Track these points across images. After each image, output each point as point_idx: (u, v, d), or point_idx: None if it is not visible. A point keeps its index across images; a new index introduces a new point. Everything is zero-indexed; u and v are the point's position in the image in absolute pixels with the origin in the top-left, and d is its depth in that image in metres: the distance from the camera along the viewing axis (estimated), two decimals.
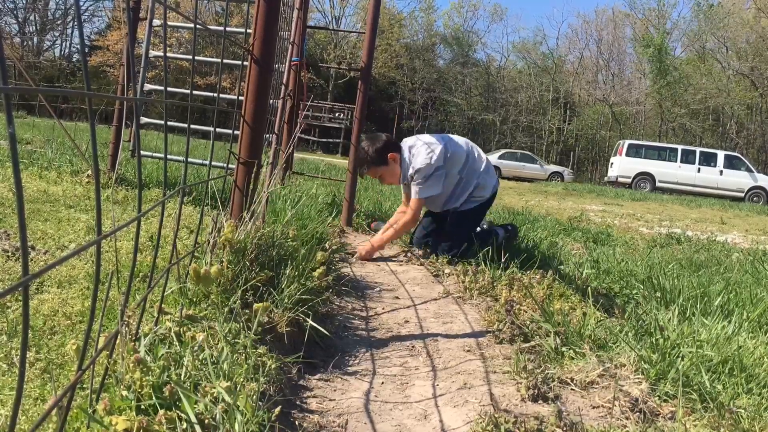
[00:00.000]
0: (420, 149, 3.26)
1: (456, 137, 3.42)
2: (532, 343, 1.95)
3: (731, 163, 19.48)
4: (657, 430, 1.39)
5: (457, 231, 3.36)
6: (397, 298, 2.63)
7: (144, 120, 4.82)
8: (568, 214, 7.62)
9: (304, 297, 1.88)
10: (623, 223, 7.38)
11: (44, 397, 1.28)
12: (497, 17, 54.20)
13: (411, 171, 3.23)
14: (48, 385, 1.32)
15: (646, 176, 19.69)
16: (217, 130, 4.08)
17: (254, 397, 1.19)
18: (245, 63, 2.02)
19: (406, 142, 3.38)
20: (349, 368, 1.78)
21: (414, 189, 3.26)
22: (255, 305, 1.61)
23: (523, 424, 1.34)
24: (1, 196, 3.21)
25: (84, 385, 1.27)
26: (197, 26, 1.44)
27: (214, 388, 1.13)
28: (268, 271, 1.87)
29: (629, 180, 19.80)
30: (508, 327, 2.05)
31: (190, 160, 4.35)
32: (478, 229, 3.62)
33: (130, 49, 1.17)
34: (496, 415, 1.37)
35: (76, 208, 3.28)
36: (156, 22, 4.35)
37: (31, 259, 2.22)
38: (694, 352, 1.68)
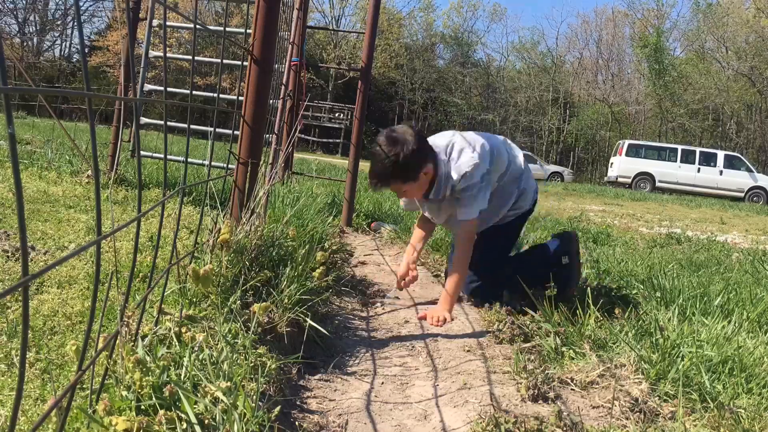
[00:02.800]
0: (463, 147, 2.37)
1: (489, 135, 2.56)
2: (532, 343, 1.95)
3: (731, 163, 19.49)
4: (657, 430, 1.39)
5: (484, 255, 2.53)
6: (397, 298, 2.63)
7: (144, 120, 4.82)
8: (568, 214, 7.62)
9: (303, 297, 1.88)
10: (623, 223, 7.39)
11: (44, 398, 1.28)
12: (497, 17, 54.29)
13: (455, 178, 2.31)
14: (48, 385, 1.32)
15: (646, 176, 19.69)
16: (217, 130, 4.09)
17: (254, 397, 1.19)
18: (245, 63, 2.02)
19: (440, 141, 2.44)
20: (349, 368, 1.78)
21: (463, 206, 2.33)
22: (255, 305, 1.61)
23: (523, 424, 1.34)
24: (1, 196, 3.21)
25: (84, 386, 1.27)
26: (197, 26, 1.44)
27: (214, 388, 1.13)
28: (268, 271, 1.87)
29: (629, 180, 19.80)
30: (508, 327, 2.05)
31: (190, 160, 4.36)
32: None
33: (130, 50, 1.17)
34: (497, 415, 1.37)
35: (75, 209, 3.28)
36: (156, 22, 4.35)
37: (31, 260, 2.22)
38: (694, 352, 1.68)
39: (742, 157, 20.38)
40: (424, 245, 2.86)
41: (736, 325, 2.03)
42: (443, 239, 3.63)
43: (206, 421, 1.07)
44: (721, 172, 19.26)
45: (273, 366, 1.43)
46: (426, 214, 2.68)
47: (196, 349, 1.28)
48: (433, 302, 2.52)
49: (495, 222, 2.58)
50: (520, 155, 2.62)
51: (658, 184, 19.48)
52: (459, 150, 2.37)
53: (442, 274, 3.08)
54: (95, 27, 38.75)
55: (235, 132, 2.06)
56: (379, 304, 2.52)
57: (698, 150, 20.47)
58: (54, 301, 1.83)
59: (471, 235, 2.39)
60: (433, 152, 2.37)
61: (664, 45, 36.70)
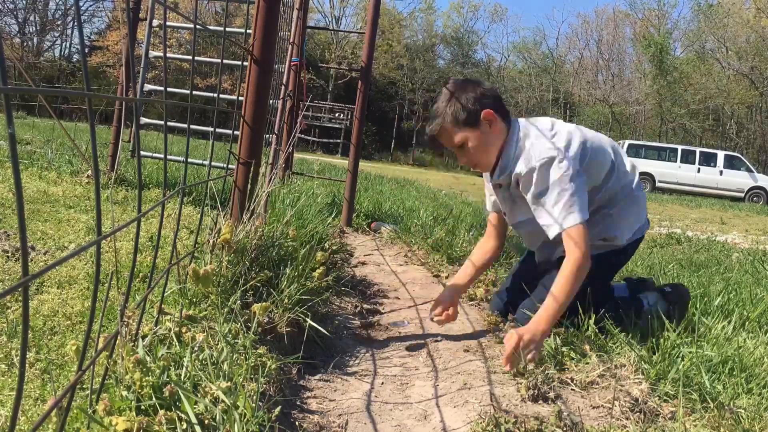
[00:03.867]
0: (546, 131, 1.86)
1: (592, 134, 1.96)
2: None
3: (731, 163, 19.50)
4: (657, 430, 1.39)
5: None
6: (398, 298, 2.63)
7: (144, 120, 4.82)
8: None
9: (304, 297, 1.88)
10: None
11: (44, 398, 1.28)
12: (497, 17, 54.22)
13: (519, 168, 1.82)
14: (48, 385, 1.32)
15: (646, 176, 19.69)
16: (217, 130, 4.09)
17: (254, 397, 1.19)
18: (245, 63, 2.02)
19: (533, 120, 1.96)
20: (349, 368, 1.78)
21: (558, 208, 1.76)
22: (255, 305, 1.61)
23: (523, 425, 1.34)
24: (1, 196, 3.22)
25: (84, 386, 1.27)
26: (197, 27, 1.45)
27: (214, 388, 1.13)
28: (268, 272, 1.87)
29: None
30: (509, 327, 2.05)
31: (190, 160, 4.36)
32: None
33: (130, 50, 1.17)
34: (497, 415, 1.37)
35: (75, 209, 3.28)
36: (156, 22, 4.35)
37: (31, 260, 2.22)
38: (694, 352, 1.68)
39: (742, 157, 20.39)
40: (471, 283, 2.24)
41: (736, 325, 2.03)
42: (443, 239, 3.62)
43: (206, 421, 1.07)
44: (721, 172, 19.26)
45: (273, 366, 1.43)
46: (491, 208, 2.15)
47: (196, 349, 1.28)
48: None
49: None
50: (624, 169, 1.98)
51: (658, 184, 19.48)
52: (540, 132, 1.84)
53: (443, 275, 3.07)
54: (95, 27, 38.82)
55: (235, 132, 2.06)
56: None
57: (698, 150, 20.49)
58: (54, 301, 1.83)
59: (582, 240, 1.73)
60: (501, 106, 1.92)
61: (667, 45, 36.75)
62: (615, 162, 1.92)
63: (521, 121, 1.93)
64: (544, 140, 1.81)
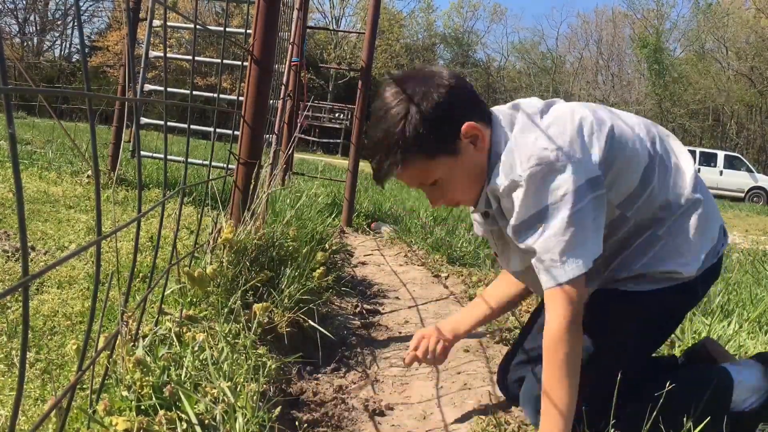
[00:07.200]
0: (533, 120, 1.20)
1: (616, 112, 1.28)
2: None
3: (731, 163, 19.50)
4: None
5: (593, 354, 1.21)
6: (398, 298, 2.63)
7: (144, 120, 4.82)
8: None
9: (304, 297, 1.88)
10: None
11: (44, 398, 1.28)
12: (497, 17, 54.20)
13: (503, 180, 1.15)
14: (48, 385, 1.32)
15: None
16: (217, 130, 4.09)
17: (254, 397, 1.19)
18: (245, 63, 2.02)
19: (502, 109, 1.30)
20: (349, 368, 1.78)
21: (544, 256, 1.12)
22: (255, 306, 1.61)
23: (523, 424, 1.34)
24: (1, 196, 3.22)
25: (84, 386, 1.27)
26: (197, 27, 1.45)
27: (215, 388, 1.13)
28: (268, 272, 1.87)
29: None
30: (509, 326, 2.05)
31: (190, 160, 4.36)
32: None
33: (130, 50, 1.17)
34: (497, 416, 1.37)
35: (76, 209, 3.28)
36: (156, 22, 4.35)
37: (31, 260, 2.22)
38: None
39: (742, 158, 20.41)
40: (471, 328, 1.55)
41: (736, 325, 2.03)
42: (443, 239, 3.62)
43: (206, 421, 1.07)
44: (721, 173, 19.26)
45: (273, 366, 1.43)
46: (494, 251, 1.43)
47: (196, 349, 1.28)
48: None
49: (615, 284, 1.26)
50: (686, 163, 1.26)
51: None
52: (528, 120, 1.20)
53: (443, 275, 3.06)
54: (95, 27, 38.83)
55: (235, 132, 2.06)
56: None
57: (698, 150, 20.49)
58: (54, 301, 1.83)
59: (570, 318, 1.11)
60: (483, 108, 1.25)
61: (663, 45, 36.80)
62: (652, 164, 1.19)
63: (500, 110, 1.27)
64: (532, 133, 1.14)
